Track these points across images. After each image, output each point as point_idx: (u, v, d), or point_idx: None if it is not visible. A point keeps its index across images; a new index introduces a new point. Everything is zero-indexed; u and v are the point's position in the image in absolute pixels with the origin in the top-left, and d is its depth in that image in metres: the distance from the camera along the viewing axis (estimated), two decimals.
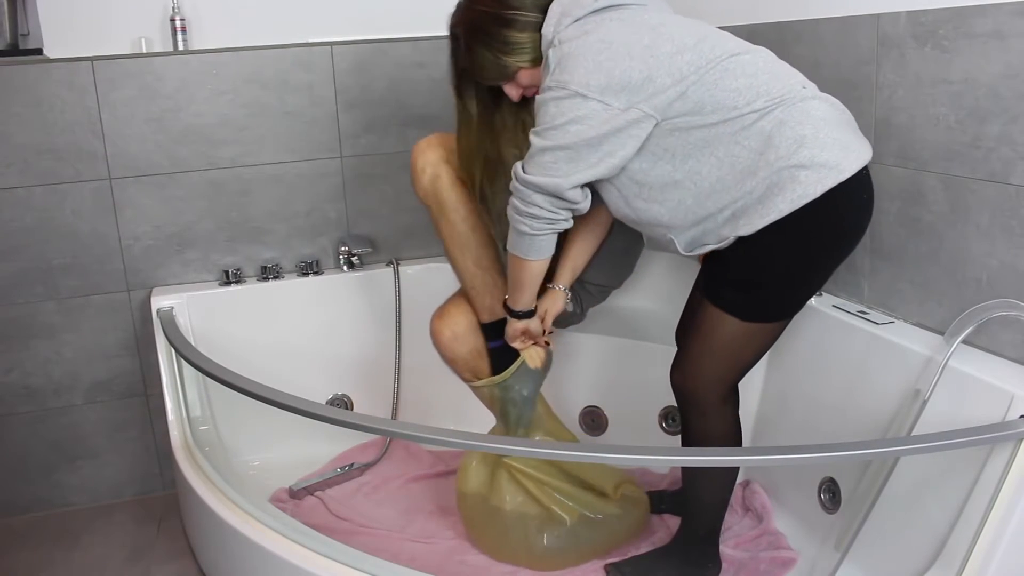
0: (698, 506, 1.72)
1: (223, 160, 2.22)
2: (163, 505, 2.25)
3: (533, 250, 1.59)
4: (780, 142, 1.41)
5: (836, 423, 1.76)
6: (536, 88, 1.58)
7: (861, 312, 1.77)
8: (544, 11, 1.55)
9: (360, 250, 2.33)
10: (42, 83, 2.05)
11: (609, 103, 1.43)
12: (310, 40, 2.24)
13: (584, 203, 1.53)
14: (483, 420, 2.10)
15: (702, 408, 1.62)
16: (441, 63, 2.31)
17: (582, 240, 1.81)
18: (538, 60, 1.57)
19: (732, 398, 1.64)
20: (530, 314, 1.76)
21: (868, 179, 1.49)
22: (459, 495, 1.89)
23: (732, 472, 1.71)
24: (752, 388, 1.95)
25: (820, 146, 1.41)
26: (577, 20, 1.49)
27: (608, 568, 1.75)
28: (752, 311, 1.53)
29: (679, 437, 2.14)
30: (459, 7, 1.66)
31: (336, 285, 2.32)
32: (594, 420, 2.24)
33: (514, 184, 1.54)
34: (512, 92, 1.65)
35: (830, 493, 1.77)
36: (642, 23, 1.48)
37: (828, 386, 1.79)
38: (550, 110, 1.46)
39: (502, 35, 1.57)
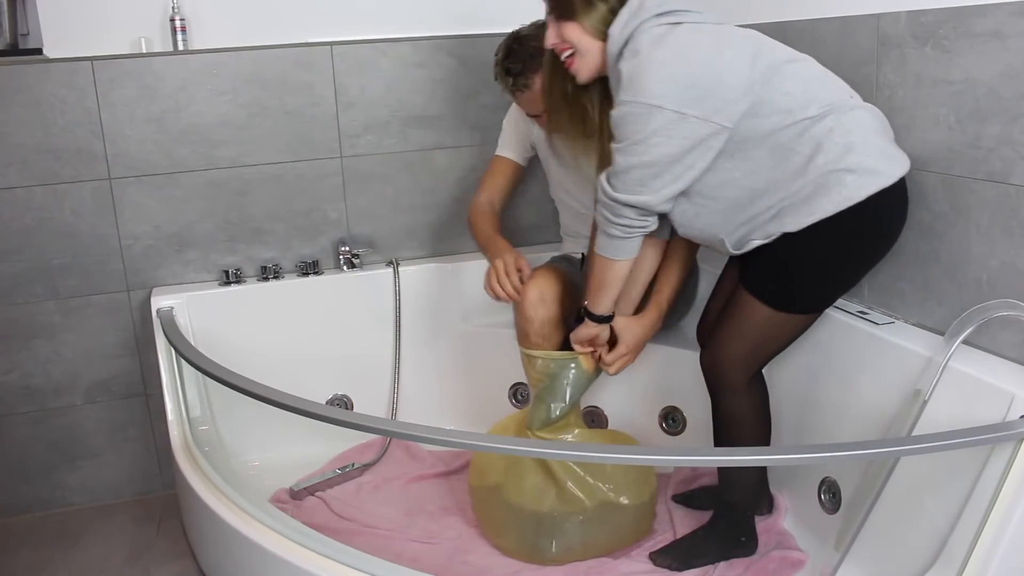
0: (733, 483, 1.79)
1: (223, 160, 2.22)
2: (163, 505, 2.25)
3: (622, 251, 1.64)
4: (830, 147, 1.49)
5: (836, 423, 1.76)
6: (565, 46, 1.61)
7: (861, 312, 1.77)
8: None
9: (360, 250, 2.33)
10: (42, 83, 2.05)
11: (685, 112, 1.46)
12: (310, 40, 2.24)
13: (671, 208, 1.59)
14: (483, 420, 2.10)
15: (732, 387, 1.69)
16: (441, 63, 2.32)
17: (668, 276, 1.87)
18: (596, 25, 1.56)
19: (759, 378, 1.73)
20: (607, 320, 1.79)
21: (906, 188, 1.57)
22: (471, 488, 1.91)
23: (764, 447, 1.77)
24: None
25: (866, 153, 1.51)
26: (643, 23, 1.51)
27: (653, 556, 1.78)
28: (785, 301, 1.62)
29: (679, 437, 2.16)
30: None
31: (336, 285, 2.32)
32: (594, 420, 2.24)
33: (602, 199, 1.58)
34: (550, 34, 1.63)
35: (830, 493, 1.77)
36: (705, 31, 1.52)
37: (828, 386, 1.79)
38: (629, 126, 1.49)
39: None
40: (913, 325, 1.70)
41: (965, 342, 1.52)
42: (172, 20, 2.11)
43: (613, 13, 1.55)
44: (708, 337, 1.76)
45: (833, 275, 1.62)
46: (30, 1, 2.03)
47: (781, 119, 1.50)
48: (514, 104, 2.15)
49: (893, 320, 1.73)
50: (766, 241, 1.56)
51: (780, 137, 1.51)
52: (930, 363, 1.54)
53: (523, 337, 1.93)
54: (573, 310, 1.92)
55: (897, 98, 1.66)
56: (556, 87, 1.75)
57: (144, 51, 2.12)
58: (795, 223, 1.52)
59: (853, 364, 1.72)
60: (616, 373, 1.89)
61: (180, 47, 2.12)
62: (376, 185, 2.35)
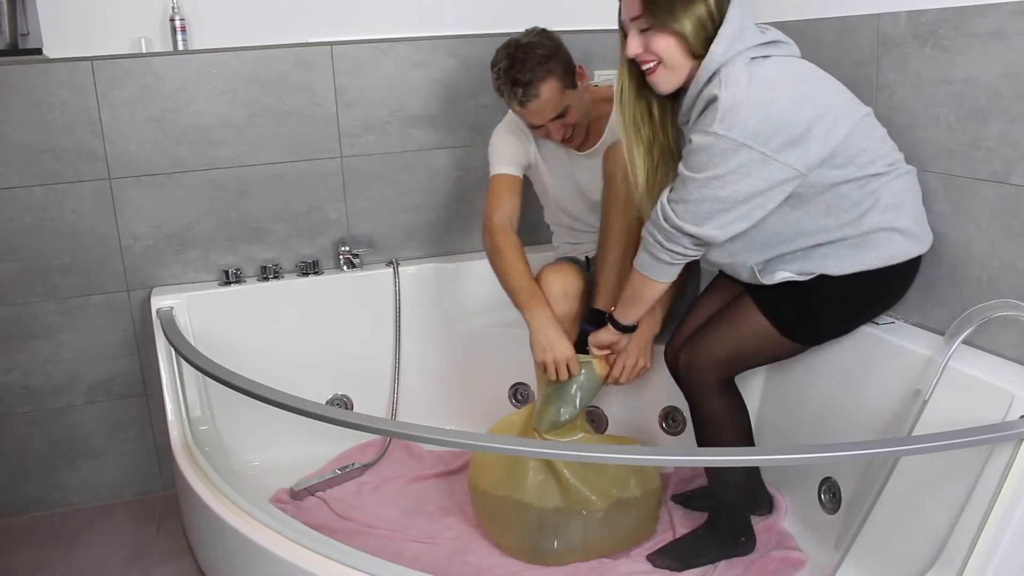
0: (724, 483, 1.79)
1: (223, 160, 2.22)
2: (163, 505, 2.25)
3: (666, 275, 1.63)
4: (886, 206, 1.54)
5: (836, 423, 1.76)
6: (649, 57, 1.52)
7: None
8: (720, 17, 1.49)
9: (360, 250, 2.33)
10: (42, 83, 2.05)
11: (770, 156, 1.45)
12: (310, 40, 2.24)
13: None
14: (483, 420, 2.09)
15: (707, 388, 1.71)
16: (441, 63, 2.32)
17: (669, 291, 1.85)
18: (696, 38, 1.49)
19: (732, 382, 1.76)
20: (632, 329, 1.81)
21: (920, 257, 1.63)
22: (471, 487, 1.92)
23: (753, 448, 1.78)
24: (752, 388, 1.96)
25: (914, 218, 1.58)
26: (745, 50, 1.47)
27: (652, 557, 1.79)
28: (795, 331, 1.66)
29: (679, 437, 2.16)
30: None
31: (336, 285, 2.32)
32: (594, 420, 2.24)
33: (661, 223, 1.55)
34: (631, 42, 1.54)
35: (830, 493, 1.77)
36: (798, 72, 1.51)
37: (828, 386, 1.79)
38: (715, 158, 1.45)
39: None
40: (913, 325, 1.70)
41: (965, 342, 1.52)
42: (172, 20, 2.11)
43: (706, 30, 1.48)
44: (689, 339, 1.75)
45: (848, 320, 1.69)
46: (30, 1, 2.03)
47: (850, 172, 1.51)
48: (504, 122, 2.10)
49: (893, 320, 1.73)
50: (799, 278, 1.58)
51: (843, 188, 1.52)
52: (930, 363, 1.54)
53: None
54: (585, 310, 1.92)
55: (897, 98, 1.66)
56: (628, 96, 1.64)
57: (144, 51, 2.12)
58: (838, 268, 1.56)
59: (853, 364, 1.72)
60: (627, 383, 1.90)
61: (180, 47, 2.12)
62: (376, 185, 2.35)
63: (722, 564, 1.75)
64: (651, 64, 1.53)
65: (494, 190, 2.04)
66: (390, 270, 2.34)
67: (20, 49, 2.05)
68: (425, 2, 2.31)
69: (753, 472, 1.86)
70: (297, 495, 2.08)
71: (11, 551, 2.07)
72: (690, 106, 1.53)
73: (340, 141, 2.30)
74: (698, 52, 1.49)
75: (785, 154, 1.45)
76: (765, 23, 1.95)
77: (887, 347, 1.65)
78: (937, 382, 1.51)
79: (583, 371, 1.85)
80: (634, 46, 1.53)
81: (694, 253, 1.57)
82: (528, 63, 1.85)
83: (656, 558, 1.78)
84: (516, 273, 1.91)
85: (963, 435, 1.33)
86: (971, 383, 1.47)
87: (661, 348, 2.09)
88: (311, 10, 2.24)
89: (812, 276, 1.57)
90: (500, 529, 1.90)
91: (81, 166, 2.12)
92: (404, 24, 2.30)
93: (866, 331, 1.71)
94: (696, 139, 1.48)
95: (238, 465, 2.09)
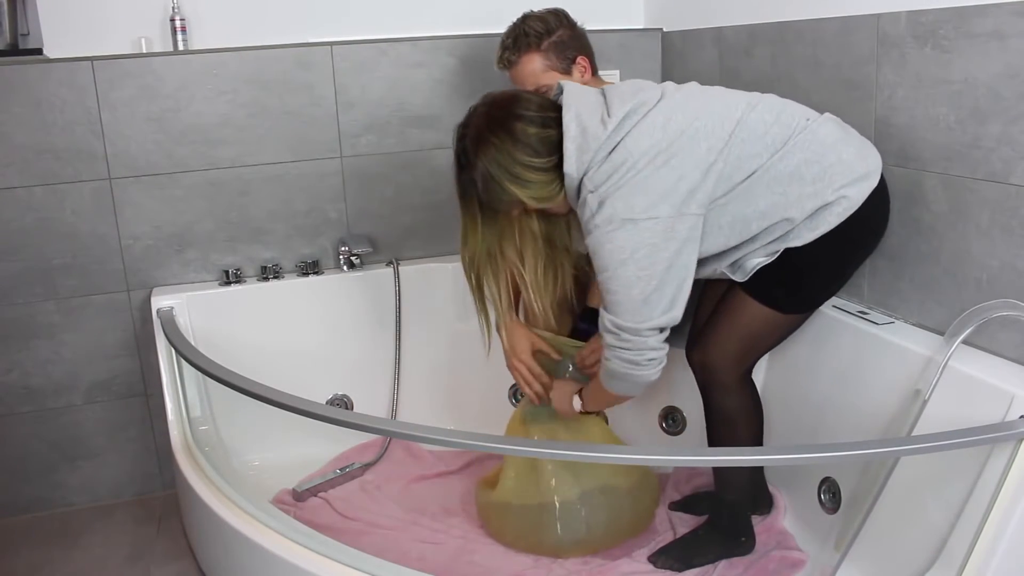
0: (729, 483, 1.79)
1: (223, 160, 2.22)
2: (163, 505, 2.25)
3: (644, 387, 1.58)
4: (815, 175, 1.53)
5: (836, 423, 1.76)
6: (540, 207, 1.61)
7: (861, 312, 1.77)
8: (555, 151, 1.53)
9: (360, 250, 2.33)
10: (42, 83, 2.05)
11: (656, 216, 1.46)
12: (310, 40, 2.24)
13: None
14: (483, 420, 2.09)
15: (725, 386, 1.71)
16: (441, 63, 2.32)
17: None
18: (546, 198, 1.58)
19: (749, 377, 1.75)
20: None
21: (884, 177, 1.62)
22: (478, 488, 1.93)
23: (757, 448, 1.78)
24: None
25: (848, 166, 1.55)
26: (595, 153, 1.50)
27: (653, 558, 1.79)
28: (790, 304, 1.65)
29: (679, 437, 2.16)
30: (470, 127, 1.59)
31: (336, 285, 2.32)
32: None
33: (626, 340, 1.51)
34: (514, 210, 1.66)
35: (830, 493, 1.77)
36: (653, 127, 1.51)
37: (828, 386, 1.79)
38: (606, 247, 1.48)
39: (515, 171, 1.54)
40: (913, 325, 1.70)
41: (965, 342, 1.52)
42: (172, 20, 2.11)
43: (550, 169, 1.54)
44: (698, 339, 1.76)
45: (837, 275, 1.69)
46: (30, 1, 2.03)
47: (749, 171, 1.52)
48: None
49: (893, 320, 1.73)
50: (769, 260, 1.58)
51: (757, 188, 1.52)
52: (930, 363, 1.54)
53: (532, 318, 1.94)
54: (581, 298, 1.94)
55: (897, 98, 1.66)
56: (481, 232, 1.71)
57: (144, 51, 2.12)
58: (799, 240, 1.56)
59: (853, 364, 1.72)
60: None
61: (180, 47, 2.13)
62: (376, 185, 2.35)
63: (722, 564, 1.75)
64: (534, 207, 1.62)
65: None
66: (390, 270, 2.34)
67: (20, 49, 2.05)
68: (425, 2, 2.31)
69: (757, 470, 1.86)
70: (299, 496, 2.08)
71: (11, 551, 2.07)
72: (574, 205, 1.57)
73: (340, 141, 2.30)
74: (559, 191, 1.56)
75: (668, 208, 1.47)
76: (764, 23, 1.94)
77: (887, 347, 1.65)
78: (937, 382, 1.51)
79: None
80: (515, 212, 1.65)
81: (664, 348, 1.53)
82: (518, 30, 1.92)
83: (657, 558, 1.78)
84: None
85: (963, 435, 1.33)
86: (971, 383, 1.47)
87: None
88: (311, 10, 2.24)
89: (779, 253, 1.57)
90: (500, 525, 1.90)
91: (81, 166, 2.12)
92: (404, 24, 2.30)
93: (866, 331, 1.70)
94: (588, 241, 1.52)
95: (238, 465, 2.09)
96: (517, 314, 1.94)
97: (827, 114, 1.62)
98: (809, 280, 1.64)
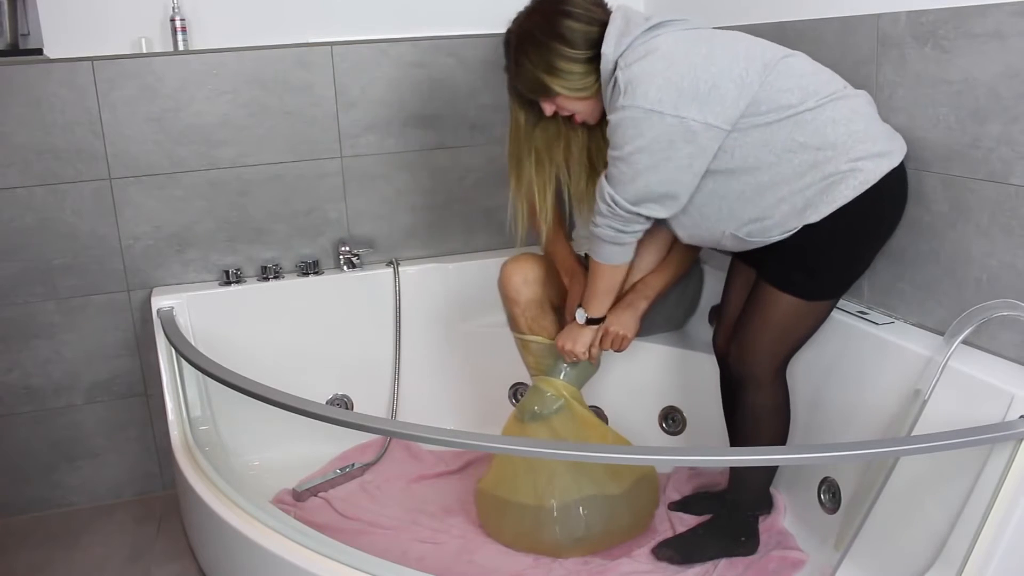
0: (742, 483, 1.80)
1: (223, 160, 2.22)
2: (163, 505, 2.25)
3: (629, 254, 1.71)
4: (836, 138, 1.53)
5: (836, 423, 1.76)
6: (574, 113, 1.71)
7: (861, 312, 1.77)
8: (594, 46, 1.61)
9: (360, 250, 2.33)
10: (42, 83, 2.05)
11: (683, 116, 1.50)
12: (310, 40, 2.24)
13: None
14: (483, 420, 2.10)
15: (760, 382, 1.70)
16: (441, 63, 2.32)
17: (662, 270, 1.93)
18: (579, 89, 1.65)
19: (783, 375, 1.74)
20: (602, 320, 1.86)
21: (905, 166, 1.62)
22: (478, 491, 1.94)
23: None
24: None
25: (872, 139, 1.55)
26: (635, 38, 1.56)
27: (656, 550, 1.79)
28: (812, 290, 1.64)
29: (679, 437, 2.16)
30: (517, 19, 1.70)
31: (336, 285, 2.32)
32: None
33: (616, 211, 1.60)
34: (546, 108, 1.73)
35: (830, 493, 1.77)
36: (696, 36, 1.57)
37: (828, 386, 1.79)
38: (630, 131, 1.53)
39: (550, 59, 1.63)
40: (913, 325, 1.70)
41: (965, 342, 1.52)
42: (172, 20, 2.11)
43: (587, 61, 1.61)
44: (732, 336, 1.76)
45: (855, 257, 1.66)
46: (30, 1, 2.04)
47: (779, 114, 1.53)
48: None
49: (893, 320, 1.73)
50: (784, 236, 1.58)
51: (779, 132, 1.53)
52: (930, 363, 1.54)
53: (513, 323, 2.00)
54: (559, 296, 1.98)
55: (897, 98, 1.66)
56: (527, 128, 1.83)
57: (144, 51, 2.12)
58: (816, 214, 1.54)
59: (853, 364, 1.72)
60: (603, 349, 1.90)
61: (180, 47, 2.12)
62: (376, 185, 2.35)
63: (723, 563, 1.75)
64: (568, 115, 1.72)
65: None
66: (390, 270, 2.34)
67: (21, 49, 2.05)
68: (425, 2, 2.31)
69: (771, 472, 1.85)
70: (299, 496, 2.08)
71: (11, 551, 2.07)
72: (607, 100, 1.61)
73: (340, 141, 2.30)
74: (592, 87, 1.64)
75: (697, 112, 1.50)
76: (765, 23, 1.95)
77: (887, 347, 1.65)
78: (937, 382, 1.51)
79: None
80: (547, 108, 1.72)
81: (647, 225, 1.63)
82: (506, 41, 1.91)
83: (659, 550, 1.79)
84: (559, 258, 2.04)
85: (963, 435, 1.33)
86: (971, 383, 1.47)
87: (659, 347, 2.09)
88: (311, 10, 2.24)
89: (796, 231, 1.57)
90: (499, 524, 1.91)
91: (81, 166, 2.12)
92: (404, 24, 2.30)
93: (866, 331, 1.70)
94: (611, 119, 1.56)
95: (238, 465, 2.09)
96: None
97: (863, 91, 1.63)
98: (826, 262, 1.62)
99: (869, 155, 1.53)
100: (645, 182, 1.55)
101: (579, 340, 1.85)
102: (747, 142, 1.54)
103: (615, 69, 1.57)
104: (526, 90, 1.71)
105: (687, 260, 1.97)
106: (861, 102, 1.59)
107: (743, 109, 1.51)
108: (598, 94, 1.65)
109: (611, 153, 1.58)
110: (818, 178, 1.53)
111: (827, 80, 1.58)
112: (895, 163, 1.56)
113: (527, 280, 1.96)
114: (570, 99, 1.68)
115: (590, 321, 1.84)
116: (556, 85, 1.65)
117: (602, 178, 1.62)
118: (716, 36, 1.59)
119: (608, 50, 1.57)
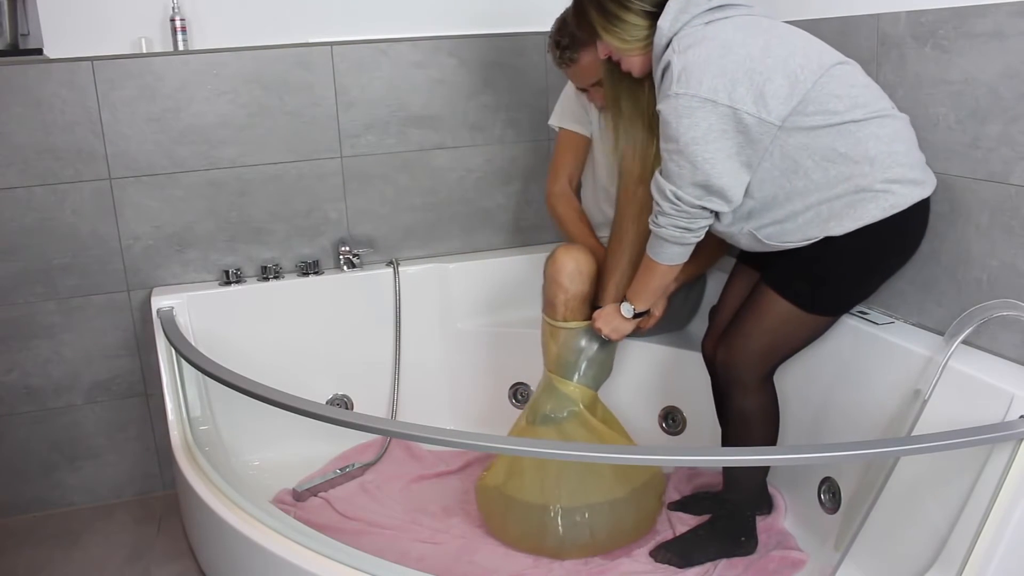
0: (737, 483, 1.80)
1: (223, 160, 2.22)
2: (163, 505, 2.25)
3: (687, 255, 1.65)
4: (876, 155, 1.51)
5: (836, 423, 1.76)
6: (619, 58, 1.64)
7: (861, 312, 1.77)
8: (656, 5, 1.56)
9: (360, 250, 2.33)
10: (42, 83, 2.05)
11: (737, 107, 1.48)
12: (310, 40, 2.24)
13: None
14: (483, 420, 2.09)
15: (746, 385, 1.70)
16: (441, 63, 2.32)
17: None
18: (634, 45, 1.60)
19: (770, 379, 1.73)
20: (647, 313, 1.87)
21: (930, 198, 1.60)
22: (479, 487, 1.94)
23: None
24: None
25: (910, 165, 1.54)
26: (694, 18, 1.53)
27: (654, 552, 1.79)
28: (814, 303, 1.63)
29: (679, 437, 2.16)
30: None
31: (336, 285, 2.32)
32: None
33: (681, 207, 1.55)
34: (600, 50, 1.68)
35: (830, 493, 1.77)
36: (755, 26, 1.54)
37: (828, 386, 1.79)
38: (683, 120, 1.49)
39: (607, 7, 1.58)
40: (913, 325, 1.70)
41: (965, 342, 1.52)
42: (172, 20, 2.11)
43: (649, 17, 1.56)
44: (722, 336, 1.75)
45: (862, 280, 1.64)
46: (30, 1, 2.03)
47: (825, 119, 1.50)
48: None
49: (893, 320, 1.73)
50: (802, 244, 1.57)
51: (822, 138, 1.51)
52: (930, 363, 1.54)
53: (550, 308, 1.95)
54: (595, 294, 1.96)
55: (897, 98, 1.66)
56: (614, 79, 1.75)
57: (144, 51, 2.12)
58: (840, 227, 1.53)
59: (853, 364, 1.72)
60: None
61: (180, 47, 2.12)
62: (376, 185, 2.35)
63: (722, 563, 1.75)
64: (617, 58, 1.65)
65: (559, 148, 2.14)
66: (390, 270, 2.34)
67: (20, 49, 2.05)
68: (425, 2, 2.31)
69: (765, 472, 1.86)
70: (299, 496, 2.08)
71: (11, 551, 2.07)
72: (657, 80, 1.58)
73: (340, 141, 2.30)
74: (642, 49, 1.59)
75: (751, 105, 1.47)
76: None
77: (887, 347, 1.65)
78: (937, 382, 1.51)
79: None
80: (602, 50, 1.66)
81: (711, 222, 1.59)
82: (570, 28, 1.86)
83: (658, 553, 1.79)
84: (579, 239, 2.05)
85: (963, 435, 1.33)
86: (971, 383, 1.47)
87: (659, 348, 2.09)
88: (311, 10, 2.24)
89: (816, 240, 1.55)
90: (503, 523, 1.91)
91: (81, 166, 2.12)
92: (404, 24, 2.30)
93: (866, 331, 1.71)
94: (661, 107, 1.53)
95: (238, 465, 2.09)
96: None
97: (906, 115, 1.60)
98: (834, 277, 1.61)
99: (904, 180, 1.52)
100: (705, 174, 1.51)
101: (619, 330, 1.86)
102: (788, 144, 1.52)
103: (667, 46, 1.54)
104: (581, 27, 1.67)
105: (717, 252, 1.99)
106: (904, 125, 1.57)
107: (794, 106, 1.49)
108: (647, 51, 1.60)
109: (665, 147, 1.54)
110: (849, 190, 1.51)
111: (877, 95, 1.56)
112: (926, 194, 1.55)
113: (581, 271, 1.93)
114: (618, 48, 1.62)
115: (636, 315, 1.83)
116: (608, 36, 1.60)
117: (657, 176, 1.58)
118: (776, 28, 1.55)
119: (664, 24, 1.53)
